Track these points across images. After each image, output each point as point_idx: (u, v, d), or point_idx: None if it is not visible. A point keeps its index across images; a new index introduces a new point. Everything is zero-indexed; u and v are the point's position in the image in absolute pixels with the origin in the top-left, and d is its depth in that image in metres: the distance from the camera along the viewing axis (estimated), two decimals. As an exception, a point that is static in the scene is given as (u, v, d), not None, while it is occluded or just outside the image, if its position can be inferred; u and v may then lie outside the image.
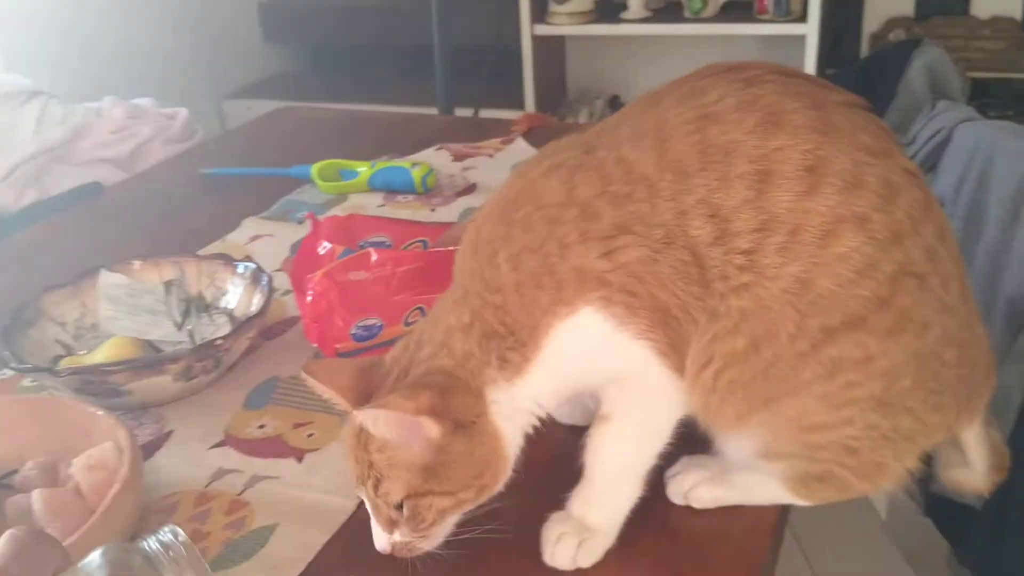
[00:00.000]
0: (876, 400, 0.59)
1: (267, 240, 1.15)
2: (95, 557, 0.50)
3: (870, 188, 0.57)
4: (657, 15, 2.58)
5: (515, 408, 0.62)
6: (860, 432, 0.61)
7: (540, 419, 0.63)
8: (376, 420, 0.58)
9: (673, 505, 0.67)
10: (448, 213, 1.19)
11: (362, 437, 0.60)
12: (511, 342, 0.60)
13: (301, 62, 3.24)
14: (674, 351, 0.60)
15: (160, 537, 0.52)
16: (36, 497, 0.66)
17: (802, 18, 2.37)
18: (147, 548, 0.52)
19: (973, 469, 0.70)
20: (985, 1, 2.44)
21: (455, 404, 0.59)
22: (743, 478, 0.67)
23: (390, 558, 0.62)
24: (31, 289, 0.90)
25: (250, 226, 1.19)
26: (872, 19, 2.55)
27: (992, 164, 0.94)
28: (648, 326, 0.59)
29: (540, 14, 2.61)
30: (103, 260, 0.94)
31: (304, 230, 1.08)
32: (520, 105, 2.66)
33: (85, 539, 0.59)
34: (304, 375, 0.62)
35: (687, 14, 2.53)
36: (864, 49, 2.56)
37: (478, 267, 0.62)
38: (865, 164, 0.58)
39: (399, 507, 0.60)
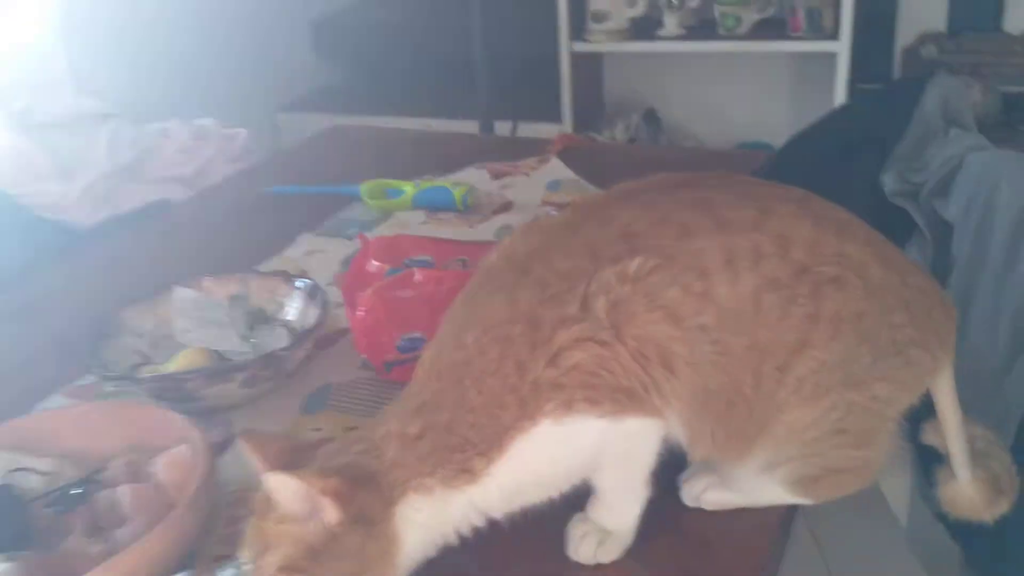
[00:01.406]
0: (845, 383, 0.68)
1: (320, 255, 1.24)
2: None
3: (767, 252, 0.66)
4: (692, 32, 2.64)
5: (441, 518, 0.64)
6: (843, 412, 0.68)
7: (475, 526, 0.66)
8: (284, 487, 0.60)
9: (686, 507, 0.75)
10: (486, 229, 1.28)
11: (265, 506, 0.62)
12: (471, 453, 0.64)
13: (350, 76, 3.35)
14: (645, 404, 0.66)
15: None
16: (123, 492, 0.75)
17: (834, 36, 2.42)
18: None
19: (962, 483, 0.77)
20: (1017, 17, 2.47)
21: (362, 498, 0.61)
22: (749, 482, 0.74)
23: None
24: (107, 301, 1.00)
25: (305, 242, 1.29)
26: (904, 35, 2.59)
27: (997, 191, 1.00)
28: (612, 408, 0.65)
29: (578, 32, 2.68)
30: (172, 273, 1.04)
31: (354, 246, 1.18)
32: (557, 118, 2.74)
33: (169, 529, 0.68)
34: (240, 441, 0.66)
35: (721, 31, 2.59)
36: (896, 65, 2.59)
37: (441, 389, 0.66)
38: (758, 234, 0.67)
39: None
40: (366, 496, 0.62)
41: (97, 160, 1.46)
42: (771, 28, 2.56)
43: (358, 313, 0.93)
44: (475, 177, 1.45)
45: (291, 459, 0.64)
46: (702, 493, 0.75)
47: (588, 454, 0.67)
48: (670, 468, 0.73)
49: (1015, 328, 0.96)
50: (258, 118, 2.68)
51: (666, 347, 0.65)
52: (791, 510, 0.77)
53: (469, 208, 1.34)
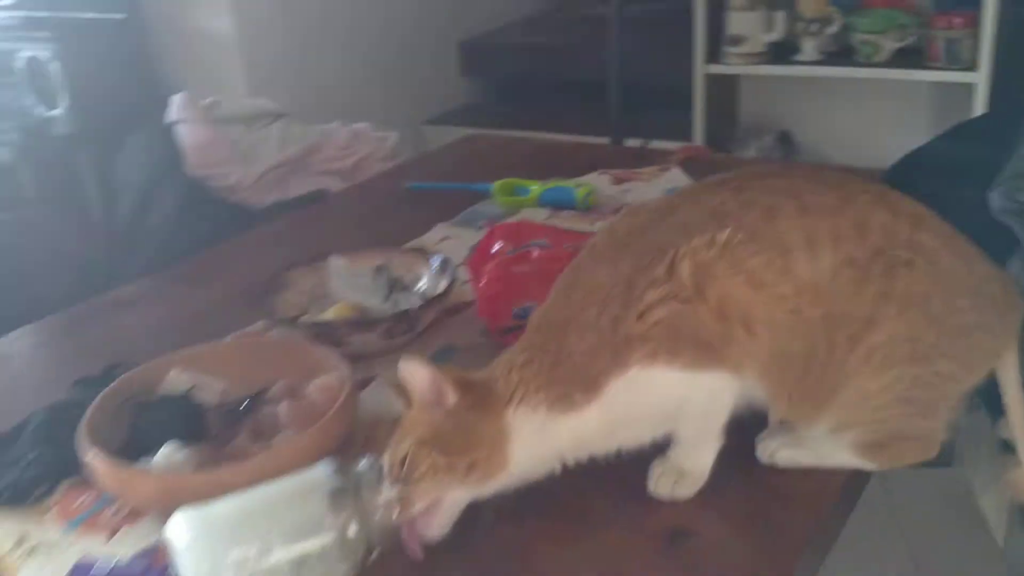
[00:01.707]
0: (911, 358, 0.75)
1: (452, 242, 1.39)
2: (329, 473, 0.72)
3: (846, 235, 0.75)
4: (829, 58, 2.67)
5: (545, 437, 0.75)
6: (908, 383, 0.76)
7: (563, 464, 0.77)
8: (414, 371, 0.74)
9: (759, 463, 0.83)
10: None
11: (404, 412, 0.76)
12: (576, 387, 0.75)
13: (491, 93, 3.55)
14: (721, 360, 0.75)
15: (366, 465, 0.73)
16: (282, 407, 0.91)
17: (972, 67, 2.41)
18: (360, 471, 0.73)
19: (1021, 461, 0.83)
20: None
21: (477, 392, 0.74)
22: (819, 445, 0.82)
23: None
24: (274, 268, 1.18)
25: (440, 230, 1.44)
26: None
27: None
28: (691, 361, 0.75)
29: (713, 55, 2.76)
30: (327, 249, 1.21)
31: (482, 235, 1.32)
32: (689, 137, 2.82)
33: (318, 432, 0.83)
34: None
35: (859, 59, 2.61)
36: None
37: (547, 338, 0.77)
38: (838, 218, 0.75)
39: (403, 462, 0.72)
40: (481, 391, 0.75)
41: (269, 152, 1.67)
42: (909, 57, 2.57)
43: (482, 283, 1.06)
44: (598, 182, 1.57)
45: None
46: (776, 451, 0.83)
47: (670, 403, 0.78)
48: (750, 427, 0.82)
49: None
50: (405, 129, 2.90)
51: (746, 309, 0.74)
52: (859, 477, 0.84)
53: (589, 208, 1.46)
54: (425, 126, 3.22)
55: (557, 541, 0.77)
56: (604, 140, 2.64)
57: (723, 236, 0.75)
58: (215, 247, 1.44)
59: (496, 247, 1.14)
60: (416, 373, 0.74)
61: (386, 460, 0.75)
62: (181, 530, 0.68)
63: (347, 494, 0.72)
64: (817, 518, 0.79)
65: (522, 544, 0.77)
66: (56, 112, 1.83)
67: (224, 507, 0.70)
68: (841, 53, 2.67)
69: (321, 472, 0.73)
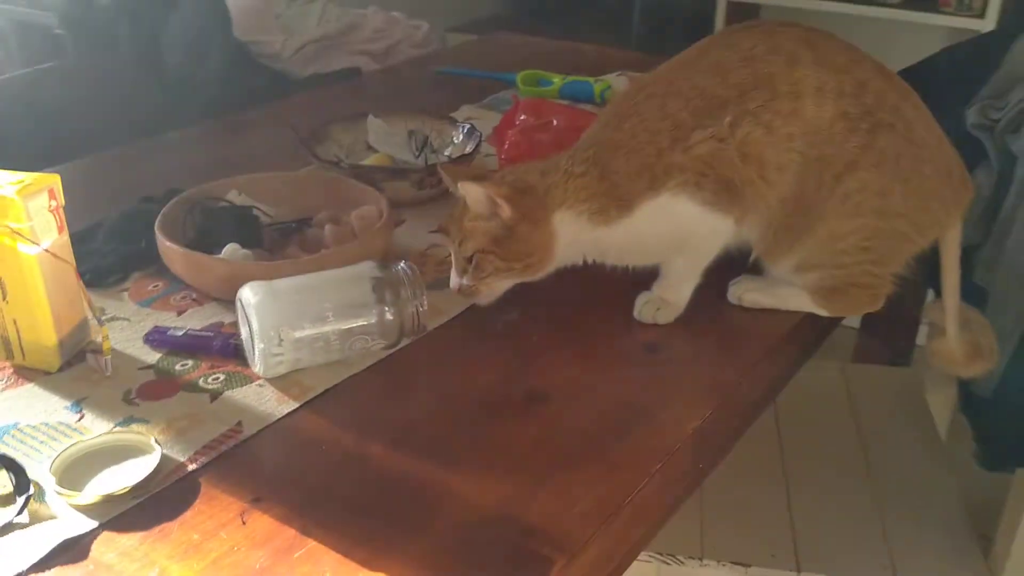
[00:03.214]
0: (878, 211, 0.89)
1: (478, 122, 1.50)
2: (373, 267, 0.86)
3: (847, 92, 0.87)
4: (845, -5, 2.76)
5: (579, 238, 0.89)
6: (870, 233, 0.90)
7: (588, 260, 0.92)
8: (471, 191, 0.87)
9: (730, 304, 0.98)
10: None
11: (462, 210, 0.89)
12: (613, 202, 0.89)
13: (515, 7, 3.62)
14: (733, 205, 0.89)
15: (403, 266, 0.88)
16: (328, 230, 1.05)
17: (981, 14, 2.50)
18: (397, 269, 0.87)
19: (948, 336, 0.98)
20: None
21: (528, 202, 0.87)
22: (782, 291, 0.97)
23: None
24: (311, 127, 1.29)
25: (466, 110, 1.56)
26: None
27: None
28: (712, 194, 0.88)
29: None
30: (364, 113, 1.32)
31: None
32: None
33: (359, 246, 0.97)
34: (440, 169, 0.95)
35: (874, -1, 2.70)
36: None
37: (600, 154, 0.89)
38: (844, 75, 0.88)
39: (470, 260, 0.89)
40: (531, 201, 0.88)
41: (309, 27, 1.78)
42: (923, 1, 2.66)
43: (506, 145, 1.20)
44: (616, 82, 1.68)
45: (478, 176, 0.91)
46: (744, 294, 0.98)
47: (679, 234, 0.91)
48: (724, 273, 0.97)
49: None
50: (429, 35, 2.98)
51: (761, 152, 0.87)
52: (811, 326, 0.99)
53: (606, 101, 1.58)
54: (449, 33, 3.30)
55: (558, 346, 0.92)
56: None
57: (753, 104, 0.87)
58: (259, 107, 1.56)
59: (520, 119, 1.27)
60: (472, 191, 0.87)
61: (453, 254, 0.91)
62: (254, 291, 0.82)
63: (386, 286, 0.86)
64: (766, 348, 0.94)
65: (531, 348, 0.92)
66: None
67: (287, 282, 0.85)
68: (858, -9, 2.75)
69: (366, 266, 0.87)
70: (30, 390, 0.83)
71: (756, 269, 0.99)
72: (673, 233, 0.92)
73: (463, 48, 1.97)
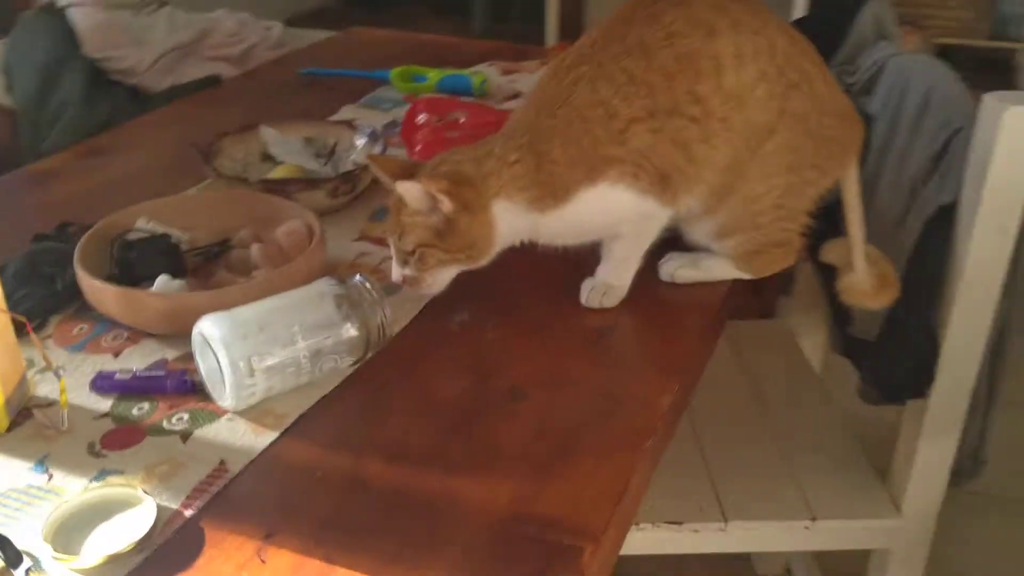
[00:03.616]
0: (791, 167, 0.96)
1: (363, 121, 1.49)
2: (332, 283, 0.85)
3: (762, 51, 0.93)
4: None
5: (517, 224, 0.91)
6: (783, 190, 0.97)
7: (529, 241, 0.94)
8: (409, 190, 0.87)
9: (663, 282, 1.03)
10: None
11: (399, 204, 0.90)
12: (550, 191, 0.91)
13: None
14: (666, 192, 0.94)
15: (360, 278, 0.87)
16: (254, 249, 1.01)
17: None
18: (356, 283, 0.86)
19: (858, 272, 1.07)
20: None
21: (466, 194, 0.88)
22: (708, 262, 1.03)
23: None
24: (184, 144, 1.24)
25: (348, 111, 1.54)
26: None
27: (908, 86, 1.29)
28: (649, 184, 0.93)
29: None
30: (230, 128, 1.26)
31: (390, 116, 1.45)
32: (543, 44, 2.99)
33: (289, 272, 0.94)
34: (369, 161, 0.95)
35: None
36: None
37: (534, 141, 0.90)
38: (758, 36, 0.93)
39: (412, 252, 0.89)
40: (469, 192, 0.88)
41: (159, 37, 1.68)
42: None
43: (417, 148, 1.19)
44: (488, 72, 1.71)
45: (408, 170, 0.90)
46: (675, 271, 1.03)
47: (615, 220, 0.95)
48: (655, 254, 1.02)
49: (911, 191, 1.25)
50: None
51: (694, 139, 0.91)
52: (737, 291, 1.05)
53: (485, 95, 1.60)
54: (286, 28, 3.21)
55: (516, 340, 0.94)
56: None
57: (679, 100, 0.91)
58: (120, 126, 1.47)
59: (421, 118, 1.27)
60: (410, 190, 0.87)
61: (393, 247, 0.91)
62: (215, 323, 0.79)
63: (346, 301, 0.85)
64: (708, 317, 1.00)
65: (486, 342, 0.93)
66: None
67: (247, 310, 0.82)
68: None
69: (325, 283, 0.86)
70: (-23, 457, 0.77)
71: (680, 245, 1.04)
72: (610, 218, 0.95)
73: (320, 47, 1.92)
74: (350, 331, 0.84)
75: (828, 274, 1.49)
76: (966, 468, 1.27)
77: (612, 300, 0.99)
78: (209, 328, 0.79)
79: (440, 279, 0.93)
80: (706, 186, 0.96)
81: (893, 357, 1.29)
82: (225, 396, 0.80)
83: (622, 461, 0.77)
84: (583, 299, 0.99)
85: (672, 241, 1.03)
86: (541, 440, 0.80)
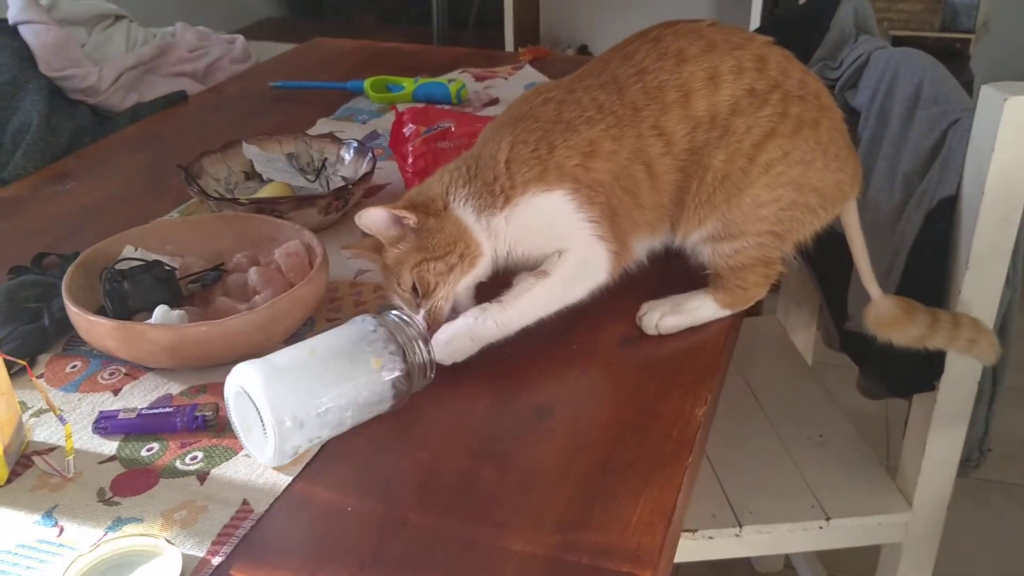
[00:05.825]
0: (797, 184, 0.93)
1: (341, 134, 1.44)
2: (371, 319, 0.80)
3: (748, 66, 0.91)
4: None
5: (484, 231, 0.88)
6: (787, 204, 0.93)
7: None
8: (372, 217, 0.86)
9: (648, 336, 0.94)
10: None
11: (383, 261, 0.89)
12: (494, 194, 0.87)
13: (289, 9, 3.49)
14: (612, 238, 0.90)
15: (395, 315, 0.81)
16: (252, 272, 0.96)
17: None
18: (396, 320, 0.81)
19: (875, 298, 1.03)
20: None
21: (422, 202, 0.88)
22: (689, 305, 0.95)
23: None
24: (158, 166, 1.18)
25: (324, 125, 1.49)
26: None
27: (896, 78, 1.29)
28: (599, 216, 0.89)
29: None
30: (208, 147, 1.21)
31: (368, 128, 1.41)
32: (503, 49, 2.96)
33: (295, 297, 0.89)
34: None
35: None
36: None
37: (486, 152, 0.90)
38: (741, 53, 0.91)
39: (415, 290, 0.87)
40: (424, 201, 0.88)
41: (117, 54, 1.61)
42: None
43: (410, 160, 1.15)
44: (462, 79, 1.67)
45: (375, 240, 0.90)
46: (659, 321, 0.94)
47: (560, 244, 0.89)
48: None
49: (906, 184, 1.25)
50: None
51: (649, 159, 0.90)
52: (730, 330, 0.98)
53: (462, 101, 1.57)
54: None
55: (535, 354, 0.90)
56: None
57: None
58: (86, 148, 1.40)
59: (408, 129, 1.22)
60: (374, 216, 0.86)
61: (401, 300, 0.86)
62: (252, 375, 0.73)
63: (387, 341, 0.79)
64: (723, 323, 0.97)
65: (510, 361, 0.89)
66: None
67: (282, 356, 0.76)
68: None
69: (365, 323, 0.80)
70: (-24, 513, 0.71)
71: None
72: (555, 239, 0.90)
73: (286, 59, 1.87)
74: (398, 376, 0.79)
75: (821, 271, 1.49)
76: (972, 457, 1.27)
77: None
78: (247, 378, 0.73)
79: (453, 295, 0.88)
80: (668, 206, 0.93)
81: (900, 351, 1.28)
82: (265, 451, 0.74)
83: (666, 479, 0.74)
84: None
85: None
86: (577, 459, 0.76)
